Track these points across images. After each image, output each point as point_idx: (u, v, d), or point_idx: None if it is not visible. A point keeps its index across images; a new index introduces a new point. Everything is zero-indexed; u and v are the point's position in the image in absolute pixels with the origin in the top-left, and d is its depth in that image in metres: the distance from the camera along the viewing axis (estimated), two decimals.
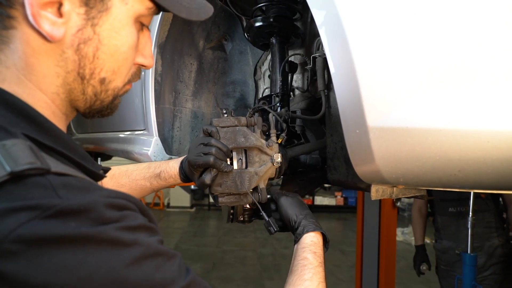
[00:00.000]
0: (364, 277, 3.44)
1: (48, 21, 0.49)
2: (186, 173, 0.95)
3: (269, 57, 1.57)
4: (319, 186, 1.37)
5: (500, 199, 2.62)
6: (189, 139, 1.57)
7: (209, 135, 0.90)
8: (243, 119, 0.94)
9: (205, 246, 6.44)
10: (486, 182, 0.66)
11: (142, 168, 1.02)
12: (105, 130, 2.14)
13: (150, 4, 0.57)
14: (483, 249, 2.45)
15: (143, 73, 1.38)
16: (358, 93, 0.71)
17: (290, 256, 0.85)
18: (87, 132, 2.51)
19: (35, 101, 0.51)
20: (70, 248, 0.39)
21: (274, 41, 1.28)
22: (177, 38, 1.46)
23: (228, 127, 0.92)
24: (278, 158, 0.94)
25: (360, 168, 0.81)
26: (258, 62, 1.65)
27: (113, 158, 2.81)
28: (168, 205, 9.65)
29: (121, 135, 1.86)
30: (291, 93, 1.40)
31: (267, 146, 0.94)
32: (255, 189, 0.94)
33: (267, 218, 0.94)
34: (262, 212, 0.95)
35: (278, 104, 1.25)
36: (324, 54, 1.01)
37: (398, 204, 3.90)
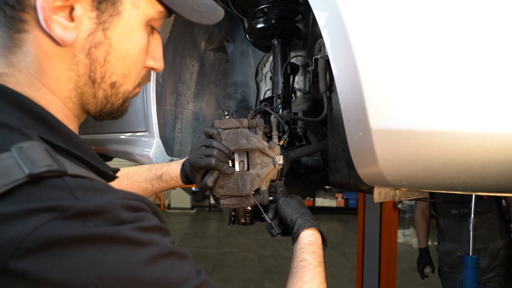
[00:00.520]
0: (365, 279, 3.44)
1: (59, 25, 0.49)
2: (188, 175, 0.95)
3: (270, 58, 1.57)
4: (321, 188, 1.36)
5: (503, 200, 2.60)
6: (190, 141, 1.57)
7: (211, 137, 0.90)
8: (245, 121, 0.93)
9: (205, 248, 6.44)
10: (490, 184, 0.66)
11: (144, 170, 1.02)
12: (106, 132, 2.14)
13: (161, 8, 0.57)
14: (487, 251, 2.44)
15: None
16: (361, 94, 0.71)
17: (291, 258, 0.84)
18: (88, 133, 2.51)
19: (48, 104, 0.52)
20: (89, 247, 0.40)
21: (275, 42, 1.28)
22: (179, 40, 1.46)
23: (229, 129, 0.92)
24: (280, 160, 0.94)
25: (363, 170, 0.81)
26: (259, 63, 1.65)
27: (114, 160, 2.80)
28: (168, 206, 9.65)
29: (122, 136, 1.86)
30: (292, 95, 1.40)
31: (269, 148, 0.94)
32: (257, 191, 0.93)
33: (269, 221, 0.94)
34: (264, 214, 0.94)
35: (279, 106, 1.24)
36: (326, 56, 1.01)
37: (399, 205, 3.89)
